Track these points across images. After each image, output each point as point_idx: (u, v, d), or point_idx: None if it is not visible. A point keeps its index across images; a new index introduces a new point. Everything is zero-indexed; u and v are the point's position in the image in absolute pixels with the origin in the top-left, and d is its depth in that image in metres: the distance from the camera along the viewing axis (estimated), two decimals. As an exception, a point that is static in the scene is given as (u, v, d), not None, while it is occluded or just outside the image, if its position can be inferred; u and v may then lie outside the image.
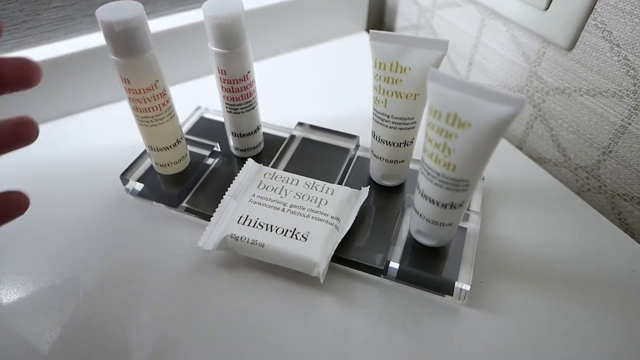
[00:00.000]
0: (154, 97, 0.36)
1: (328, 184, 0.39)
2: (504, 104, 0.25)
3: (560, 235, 0.39)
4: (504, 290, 0.35)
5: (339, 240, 0.35)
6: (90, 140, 0.49)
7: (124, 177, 0.42)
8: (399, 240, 0.37)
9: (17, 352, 0.32)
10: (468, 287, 0.33)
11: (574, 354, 0.31)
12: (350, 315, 0.34)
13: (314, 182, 0.39)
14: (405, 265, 0.35)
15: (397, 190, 0.42)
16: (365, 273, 0.36)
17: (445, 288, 0.34)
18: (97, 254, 0.38)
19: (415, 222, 0.35)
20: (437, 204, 0.31)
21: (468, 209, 0.39)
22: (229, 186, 0.39)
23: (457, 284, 0.34)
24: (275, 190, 0.39)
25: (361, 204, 0.38)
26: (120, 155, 0.45)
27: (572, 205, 0.42)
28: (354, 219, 0.37)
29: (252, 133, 0.43)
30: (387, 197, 0.41)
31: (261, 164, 0.42)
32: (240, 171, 0.40)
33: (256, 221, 0.36)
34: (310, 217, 0.36)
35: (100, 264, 0.37)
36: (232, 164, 0.45)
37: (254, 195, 0.38)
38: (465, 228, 0.37)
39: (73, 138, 0.49)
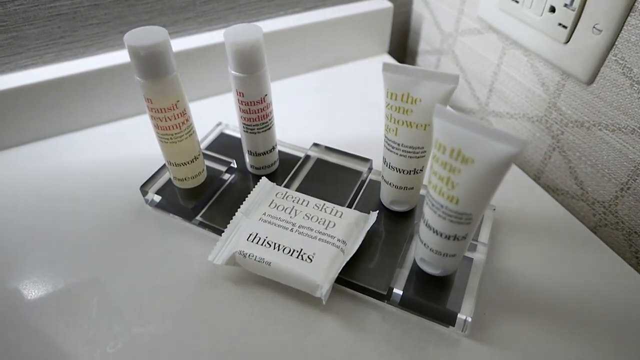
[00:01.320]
0: (174, 116, 0.37)
1: (337, 207, 0.40)
2: (507, 143, 0.26)
3: (570, 271, 0.39)
4: (507, 324, 0.35)
5: (344, 264, 0.36)
6: (116, 150, 0.51)
7: (144, 188, 0.43)
8: (404, 267, 0.37)
9: (35, 346, 0.34)
10: (470, 319, 0.33)
11: (574, 395, 0.31)
12: (351, 338, 0.34)
13: (324, 204, 0.40)
14: (408, 292, 0.35)
15: (406, 216, 0.42)
16: (369, 297, 0.37)
17: (447, 318, 0.34)
18: (113, 259, 0.40)
19: (420, 250, 0.35)
20: (441, 235, 0.32)
21: (476, 240, 0.38)
22: (242, 203, 0.40)
23: (460, 316, 0.34)
24: (285, 210, 0.40)
25: (369, 228, 0.39)
26: (143, 166, 0.48)
27: (585, 241, 0.41)
28: (361, 242, 0.38)
29: (267, 152, 0.44)
30: (396, 222, 0.42)
31: (274, 183, 0.43)
32: (253, 189, 0.42)
33: (265, 239, 0.37)
34: (317, 239, 0.37)
35: (115, 269, 0.39)
36: (247, 181, 0.46)
37: (264, 213, 0.39)
38: (472, 259, 0.37)
39: (100, 147, 0.52)
